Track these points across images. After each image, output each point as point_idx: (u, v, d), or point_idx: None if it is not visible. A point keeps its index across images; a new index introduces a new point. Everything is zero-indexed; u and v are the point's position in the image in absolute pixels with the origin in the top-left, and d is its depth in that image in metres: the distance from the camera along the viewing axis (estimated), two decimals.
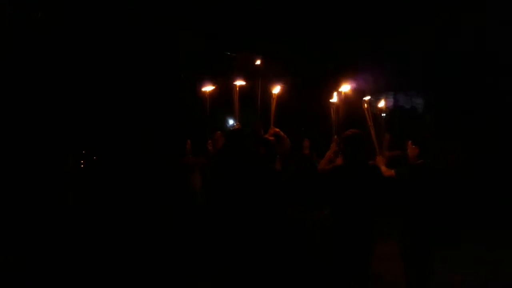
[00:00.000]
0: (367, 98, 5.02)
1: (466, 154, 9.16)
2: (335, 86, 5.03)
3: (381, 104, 5.85)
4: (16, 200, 7.26)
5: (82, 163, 9.92)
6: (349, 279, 4.19)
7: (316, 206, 4.84)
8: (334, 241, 4.24)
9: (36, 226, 6.00)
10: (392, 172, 4.57)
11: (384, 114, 5.55)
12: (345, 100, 4.99)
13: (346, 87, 4.95)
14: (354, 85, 5.05)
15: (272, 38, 9.28)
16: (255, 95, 5.12)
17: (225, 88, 5.25)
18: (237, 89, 4.96)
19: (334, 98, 4.99)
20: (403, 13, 9.99)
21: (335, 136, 4.63)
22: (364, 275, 4.20)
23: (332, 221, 4.31)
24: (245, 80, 5.02)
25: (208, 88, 5.30)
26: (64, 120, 9.16)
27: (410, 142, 4.62)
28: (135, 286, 5.30)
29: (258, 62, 5.34)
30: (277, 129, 4.66)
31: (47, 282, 5.17)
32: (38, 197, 6.22)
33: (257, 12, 9.62)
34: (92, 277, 5.38)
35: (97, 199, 8.13)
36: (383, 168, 4.54)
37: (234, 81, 4.99)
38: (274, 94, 4.95)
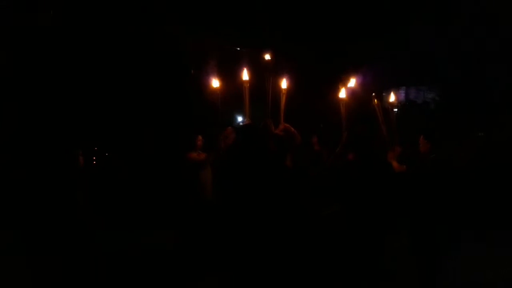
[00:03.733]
0: (376, 93, 4.99)
1: (477, 150, 9.07)
2: (345, 81, 5.00)
3: (392, 99, 5.80)
4: (26, 196, 7.34)
5: (94, 160, 10.01)
6: (361, 276, 4.17)
7: (326, 202, 4.82)
8: (345, 237, 4.23)
9: (46, 223, 6.05)
10: (403, 167, 4.54)
11: (396, 109, 5.49)
12: (355, 95, 4.95)
13: (355, 83, 4.92)
14: (364, 80, 5.01)
15: (282, 34, 9.26)
16: (265, 90, 5.10)
17: (235, 83, 5.24)
18: (247, 84, 4.95)
19: (343, 94, 4.96)
20: (415, 8, 9.90)
21: (345, 132, 4.61)
22: (376, 272, 4.18)
23: (342, 217, 4.29)
24: (255, 75, 5.00)
25: (218, 83, 5.30)
26: (76, 117, 9.25)
27: (422, 137, 4.59)
28: (144, 282, 5.34)
29: (268, 57, 5.30)
30: (288, 125, 4.64)
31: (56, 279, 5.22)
32: (47, 194, 6.27)
33: (267, 8, 9.60)
34: (99, 273, 5.42)
35: (107, 195, 8.19)
36: (395, 164, 4.52)
37: (244, 76, 4.98)
38: (284, 89, 4.92)
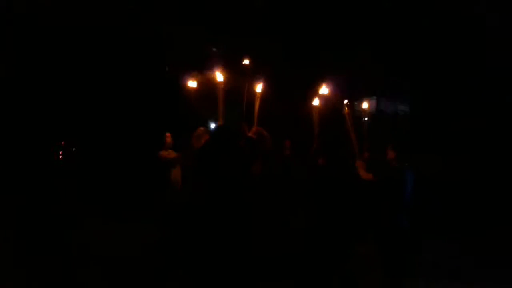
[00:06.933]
0: (346, 101, 5.09)
1: (445, 158, 9.33)
2: (318, 88, 5.09)
3: (364, 107, 5.93)
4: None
5: (60, 155, 9.80)
6: (328, 278, 4.23)
7: (296, 205, 4.87)
8: (314, 240, 4.27)
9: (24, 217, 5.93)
10: (370, 175, 4.64)
11: (366, 118, 5.62)
12: (327, 102, 5.05)
13: (326, 90, 5.02)
14: (335, 88, 5.11)
15: (259, 39, 9.31)
16: (240, 93, 5.13)
17: (211, 85, 5.24)
18: (222, 86, 4.96)
19: (316, 101, 5.05)
20: (387, 17, 10.12)
21: (317, 137, 4.69)
22: (343, 275, 4.25)
23: (311, 220, 4.34)
24: (231, 78, 5.03)
25: (193, 84, 5.29)
26: (46, 112, 9.07)
27: (390, 146, 4.68)
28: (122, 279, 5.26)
29: (246, 61, 5.35)
30: (260, 128, 4.67)
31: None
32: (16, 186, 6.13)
33: (245, 13, 9.64)
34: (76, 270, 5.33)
35: (74, 190, 8.03)
36: (362, 172, 4.60)
37: (218, 78, 4.99)
38: (258, 93, 4.96)
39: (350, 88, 7.87)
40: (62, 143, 10.01)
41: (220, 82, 4.94)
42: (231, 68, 5.22)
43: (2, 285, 4.75)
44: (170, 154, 6.03)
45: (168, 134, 6.10)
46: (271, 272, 4.18)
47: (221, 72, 4.92)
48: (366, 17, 10.01)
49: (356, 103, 7.81)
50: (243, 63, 5.21)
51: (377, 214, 4.56)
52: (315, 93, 5.12)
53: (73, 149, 10.27)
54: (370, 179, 4.60)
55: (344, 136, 4.65)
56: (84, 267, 5.44)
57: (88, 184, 8.66)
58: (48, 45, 9.17)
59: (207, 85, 5.34)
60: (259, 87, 4.98)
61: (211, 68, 5.30)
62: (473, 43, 9.90)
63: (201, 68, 5.99)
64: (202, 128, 5.26)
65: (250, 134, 4.51)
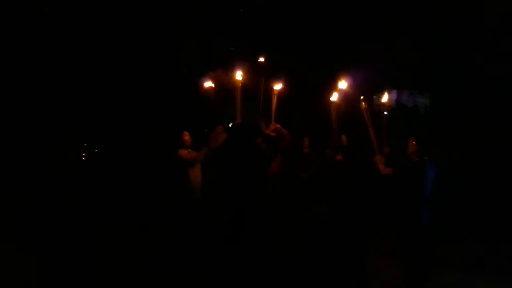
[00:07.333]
0: (362, 97, 5.06)
1: (467, 154, 9.17)
2: (336, 84, 5.06)
3: (383, 101, 5.86)
4: (17, 192, 7.31)
5: (83, 156, 9.99)
6: (348, 275, 4.23)
7: (315, 202, 4.87)
8: (332, 236, 4.28)
9: (36, 218, 6.03)
10: (389, 170, 4.61)
11: (386, 112, 5.56)
12: (346, 98, 5.02)
13: (344, 85, 4.99)
14: (354, 83, 5.07)
15: (275, 36, 9.31)
16: (257, 91, 5.15)
17: (228, 83, 5.27)
18: (240, 84, 4.98)
19: (335, 97, 5.03)
20: (407, 11, 9.99)
21: (336, 134, 4.67)
22: (361, 270, 4.24)
23: (330, 216, 4.34)
24: (247, 76, 5.04)
25: (210, 83, 5.33)
26: (67, 114, 9.22)
27: (411, 139, 4.64)
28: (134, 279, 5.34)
29: (261, 59, 5.36)
30: (278, 125, 4.68)
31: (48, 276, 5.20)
32: (38, 188, 6.25)
33: (260, 11, 9.65)
34: (88, 271, 5.41)
35: (96, 191, 8.15)
36: (381, 167, 4.58)
37: (236, 76, 5.02)
38: (275, 90, 4.97)
39: (368, 82, 7.78)
40: (85, 145, 10.20)
41: (238, 81, 4.97)
42: (248, 65, 5.24)
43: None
44: (191, 153, 6.07)
45: (185, 132, 6.14)
46: (290, 271, 4.19)
47: (239, 70, 4.95)
48: (383, 8, 9.90)
49: (374, 97, 7.73)
50: (259, 60, 5.22)
51: (397, 209, 4.53)
52: (333, 88, 5.10)
53: (96, 150, 10.46)
54: (389, 174, 4.57)
55: (363, 131, 4.62)
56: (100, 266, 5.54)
57: (108, 184, 8.80)
58: (64, 46, 9.33)
59: (225, 83, 5.37)
60: (276, 84, 5.00)
61: (228, 66, 5.34)
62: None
63: (218, 67, 6.02)
64: (220, 127, 5.30)
65: (268, 131, 4.53)
